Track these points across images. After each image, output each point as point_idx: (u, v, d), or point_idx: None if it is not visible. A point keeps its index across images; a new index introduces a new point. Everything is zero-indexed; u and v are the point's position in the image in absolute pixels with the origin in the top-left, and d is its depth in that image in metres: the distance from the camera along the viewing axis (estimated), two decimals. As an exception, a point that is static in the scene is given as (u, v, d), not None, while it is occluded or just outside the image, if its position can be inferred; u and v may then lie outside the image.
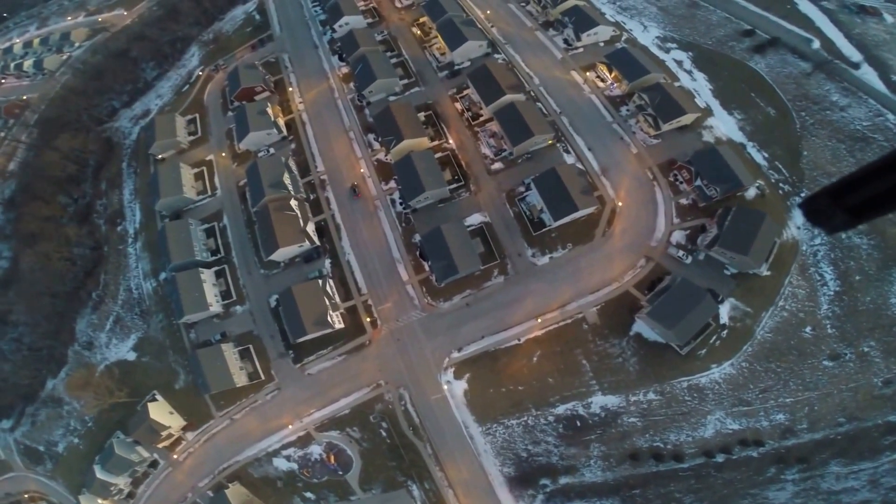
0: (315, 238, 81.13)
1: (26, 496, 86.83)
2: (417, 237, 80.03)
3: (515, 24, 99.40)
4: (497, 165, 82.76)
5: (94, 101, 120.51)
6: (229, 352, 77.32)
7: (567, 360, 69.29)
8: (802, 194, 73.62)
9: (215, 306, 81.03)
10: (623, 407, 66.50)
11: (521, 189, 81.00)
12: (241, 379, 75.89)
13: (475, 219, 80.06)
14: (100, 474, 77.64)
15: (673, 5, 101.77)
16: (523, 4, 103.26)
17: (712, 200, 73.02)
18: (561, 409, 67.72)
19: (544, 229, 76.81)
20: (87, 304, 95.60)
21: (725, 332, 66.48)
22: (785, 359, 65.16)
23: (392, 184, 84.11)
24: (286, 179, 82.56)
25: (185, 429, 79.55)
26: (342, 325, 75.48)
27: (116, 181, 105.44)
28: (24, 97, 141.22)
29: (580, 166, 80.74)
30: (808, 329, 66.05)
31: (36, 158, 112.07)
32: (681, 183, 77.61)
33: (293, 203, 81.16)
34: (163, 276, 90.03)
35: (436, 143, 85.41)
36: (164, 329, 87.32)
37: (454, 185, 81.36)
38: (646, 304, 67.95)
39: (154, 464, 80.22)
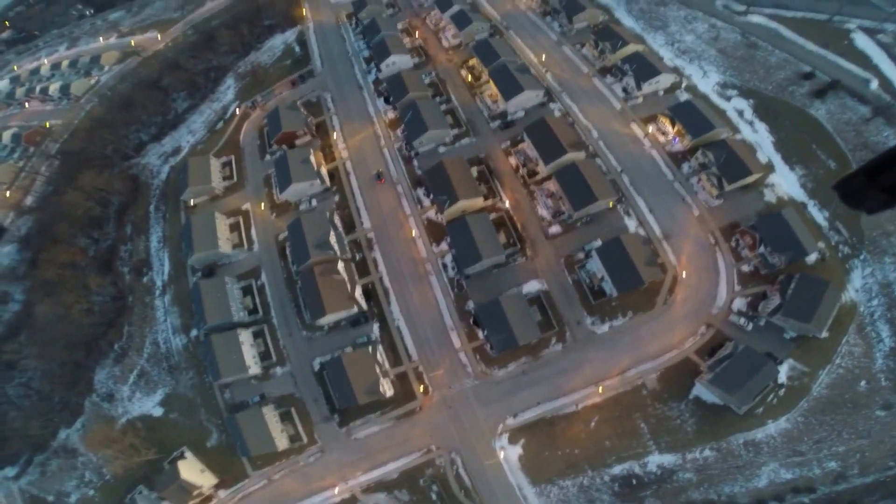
0: (363, 303, 78.45)
1: None
2: (471, 304, 77.64)
3: (571, 70, 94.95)
4: (555, 229, 79.46)
5: (120, 132, 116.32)
6: (270, 415, 75.20)
7: (625, 423, 69.45)
8: (861, 256, 72.29)
9: (254, 368, 78.54)
10: (679, 464, 66.83)
11: (581, 256, 75.28)
12: (282, 442, 73.92)
13: (532, 286, 77.47)
14: None
15: (731, 46, 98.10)
16: (578, 47, 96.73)
17: (775, 268, 71.34)
18: (617, 469, 67.68)
19: (605, 298, 74.26)
20: (109, 355, 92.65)
21: (783, 390, 67.18)
22: (839, 411, 66.10)
23: (444, 245, 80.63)
24: (332, 239, 79.80)
25: (217, 486, 76.81)
26: (392, 392, 73.56)
27: (143, 226, 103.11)
28: (47, 124, 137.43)
29: (642, 232, 78.06)
30: (862, 383, 66.84)
31: (56, 197, 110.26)
32: (743, 249, 74.87)
33: (340, 266, 79.18)
34: (194, 333, 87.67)
35: (489, 202, 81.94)
36: (195, 386, 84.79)
37: (510, 250, 78.12)
38: (706, 370, 68.01)
39: None
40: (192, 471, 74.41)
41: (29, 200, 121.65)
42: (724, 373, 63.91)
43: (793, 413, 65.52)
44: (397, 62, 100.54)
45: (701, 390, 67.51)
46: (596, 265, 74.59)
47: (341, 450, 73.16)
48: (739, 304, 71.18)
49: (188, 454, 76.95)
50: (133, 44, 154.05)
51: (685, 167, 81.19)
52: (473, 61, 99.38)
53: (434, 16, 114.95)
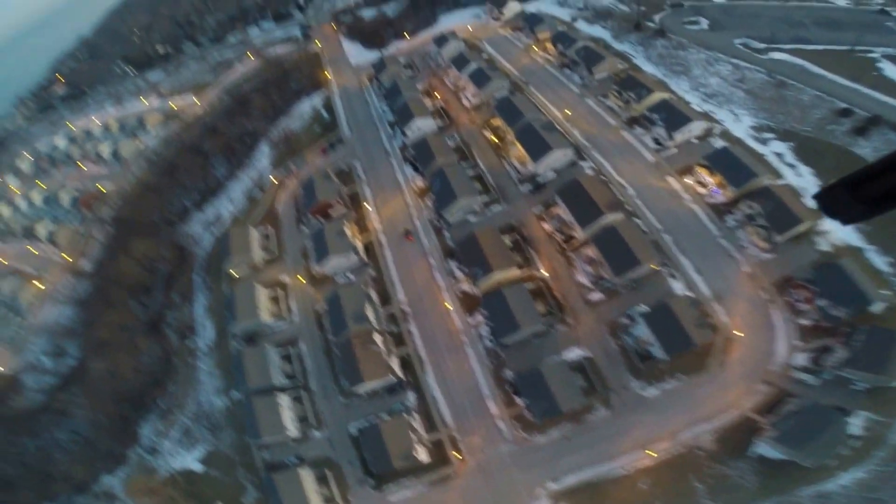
0: (399, 372, 78.07)
1: None
2: (509, 372, 74.98)
3: (598, 124, 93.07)
4: (596, 295, 76.45)
5: (166, 198, 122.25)
6: (306, 477, 74.91)
7: (678, 484, 64.69)
8: None
9: (292, 431, 79.50)
10: None
11: (625, 321, 71.62)
12: None
13: (574, 353, 74.12)
14: None
15: (759, 87, 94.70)
16: (602, 99, 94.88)
17: (838, 321, 65.92)
18: None
19: (653, 362, 70.36)
20: (154, 410, 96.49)
21: (857, 441, 61.52)
22: None
23: (479, 317, 78.61)
24: (368, 311, 79.18)
25: None
26: (427, 458, 72.28)
27: (188, 294, 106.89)
28: (101, 188, 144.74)
29: (690, 294, 73.31)
30: None
31: (110, 263, 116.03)
32: (800, 303, 69.63)
33: (377, 337, 78.61)
34: (235, 395, 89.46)
35: (525, 271, 79.77)
36: (234, 445, 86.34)
37: (549, 319, 75.69)
38: (768, 427, 63.42)
39: None
40: None
41: (85, 264, 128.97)
42: (790, 429, 59.85)
43: (867, 463, 60.11)
44: (422, 126, 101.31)
45: (764, 448, 62.79)
46: (642, 330, 70.77)
47: None
48: (801, 359, 66.00)
49: None
50: (173, 107, 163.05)
51: (729, 220, 76.82)
52: (497, 121, 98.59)
53: (452, 75, 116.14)
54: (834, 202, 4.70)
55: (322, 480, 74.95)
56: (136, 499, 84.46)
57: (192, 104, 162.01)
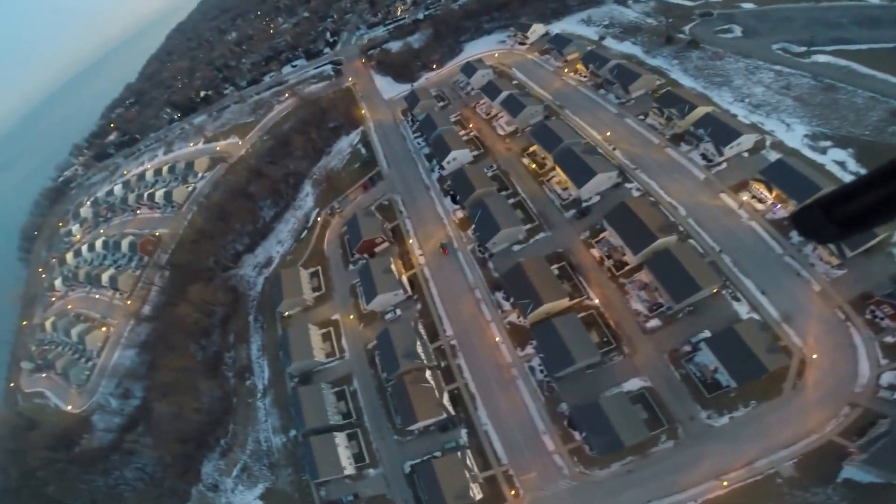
0: (451, 409, 76.35)
1: None
2: (565, 406, 71.73)
3: (641, 143, 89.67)
4: (653, 323, 72.52)
5: (218, 243, 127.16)
6: None
7: None
8: None
9: (348, 469, 78.98)
10: None
11: (688, 349, 67.15)
12: None
13: (633, 384, 70.04)
14: None
15: (807, 93, 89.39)
16: (642, 118, 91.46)
17: None
18: None
19: (721, 390, 65.49)
20: (215, 449, 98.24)
21: None
22: None
23: (529, 349, 76.29)
24: (419, 348, 78.78)
25: None
26: (481, 496, 69.43)
27: (244, 335, 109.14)
28: (157, 233, 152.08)
29: (756, 317, 68.08)
30: None
31: (170, 308, 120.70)
32: (882, 319, 63.66)
33: (428, 374, 77.71)
34: (293, 433, 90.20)
35: (576, 300, 76.48)
36: (292, 483, 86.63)
37: (604, 349, 71.90)
38: (856, 450, 58.03)
39: None
40: None
41: (146, 309, 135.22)
42: (883, 450, 54.48)
43: None
44: (458, 157, 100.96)
45: (852, 472, 57.40)
46: (707, 357, 65.98)
47: None
48: (890, 377, 59.89)
49: None
50: (218, 149, 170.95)
51: (795, 237, 71.25)
52: (534, 148, 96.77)
53: (484, 104, 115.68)
54: (809, 223, 4.67)
55: None
56: None
57: (235, 145, 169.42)
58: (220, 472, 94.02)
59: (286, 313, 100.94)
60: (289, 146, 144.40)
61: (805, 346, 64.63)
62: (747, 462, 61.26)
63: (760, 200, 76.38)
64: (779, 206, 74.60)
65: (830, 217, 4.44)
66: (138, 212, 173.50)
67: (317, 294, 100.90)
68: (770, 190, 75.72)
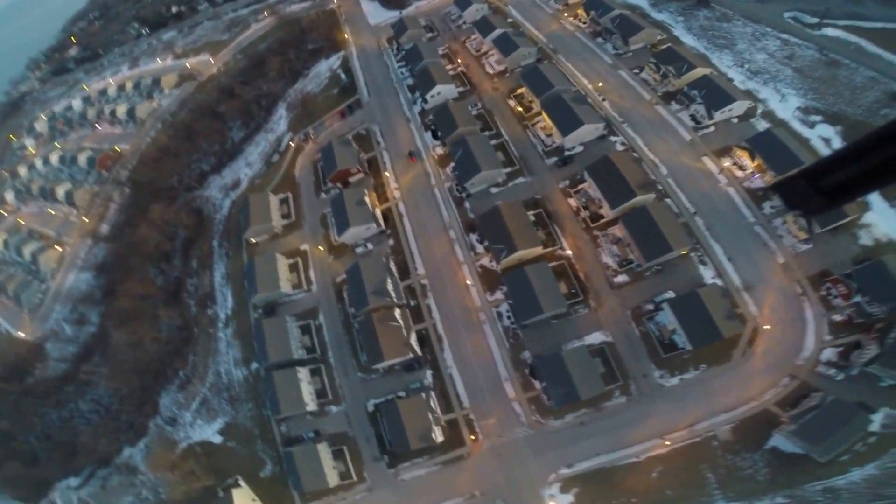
0: (417, 349, 74.80)
1: None
2: (527, 354, 71.52)
3: (631, 98, 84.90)
4: (621, 278, 71.78)
5: (183, 160, 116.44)
6: (324, 452, 73.80)
7: (690, 473, 63.12)
8: None
9: (310, 405, 77.44)
10: None
11: (650, 307, 67.16)
12: (333, 479, 72.37)
13: (595, 338, 70.09)
14: None
15: (809, 65, 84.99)
16: (637, 71, 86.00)
17: (872, 318, 61.77)
18: None
19: (676, 351, 66.39)
20: (174, 381, 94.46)
21: (873, 438, 59.40)
22: None
23: (498, 294, 74.73)
24: (389, 286, 75.93)
25: None
26: (442, 438, 70.03)
27: (207, 261, 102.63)
28: (117, 148, 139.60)
29: (719, 282, 68.06)
30: None
31: (130, 228, 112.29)
32: (835, 297, 64.83)
33: (397, 313, 75.11)
34: (254, 366, 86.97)
35: (549, 249, 74.49)
36: (253, 418, 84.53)
37: (571, 301, 70.82)
38: (788, 420, 61.18)
39: None
40: (244, 499, 74.41)
41: (104, 228, 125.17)
42: (810, 424, 57.73)
43: (880, 460, 57.94)
44: (443, 92, 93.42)
45: (780, 441, 60.67)
46: (668, 318, 66.25)
47: (388, 490, 71.52)
48: (829, 354, 62.40)
49: (242, 483, 76.90)
50: (188, 66, 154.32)
51: (767, 207, 70.45)
52: (522, 90, 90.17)
53: (475, 40, 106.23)
54: (793, 193, 4.59)
55: (338, 456, 74.22)
56: (157, 473, 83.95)
57: (207, 64, 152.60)
58: (179, 406, 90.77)
59: (253, 240, 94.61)
60: (264, 67, 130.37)
61: (760, 316, 65.77)
62: (690, 423, 63.71)
63: (741, 168, 74.33)
64: (758, 175, 72.82)
65: (816, 188, 4.38)
66: (98, 127, 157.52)
67: (286, 222, 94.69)
68: (752, 158, 73.45)
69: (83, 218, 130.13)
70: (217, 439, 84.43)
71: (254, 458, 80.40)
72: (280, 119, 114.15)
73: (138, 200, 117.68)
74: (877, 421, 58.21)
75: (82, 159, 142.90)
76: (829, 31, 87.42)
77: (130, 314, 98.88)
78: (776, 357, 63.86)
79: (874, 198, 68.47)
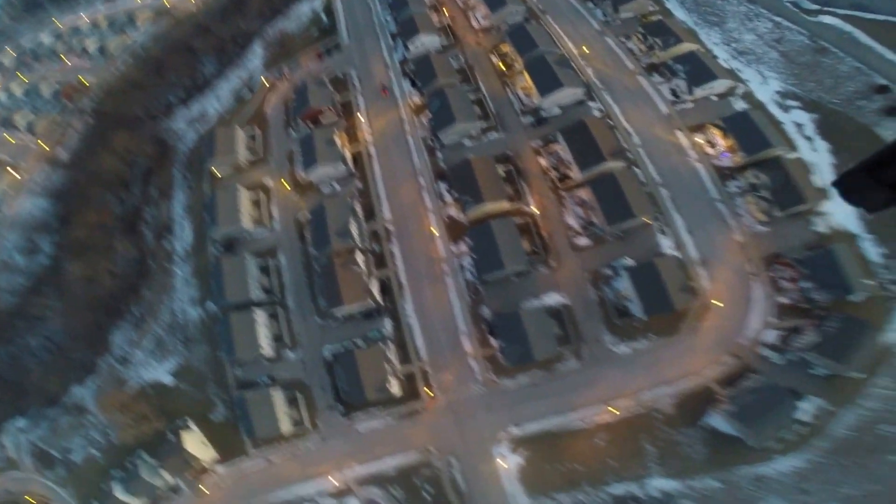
0: (378, 297, 73.48)
1: (27, 497, 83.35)
2: (486, 310, 71.23)
3: (615, 65, 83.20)
4: (583, 240, 71.63)
5: (151, 93, 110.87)
6: (278, 398, 72.71)
7: (632, 444, 64.93)
8: None
9: (266, 349, 75.60)
10: (680, 490, 62.63)
11: (609, 272, 67.45)
12: (286, 426, 71.88)
13: (553, 298, 70.03)
14: (120, 494, 74.56)
15: (796, 50, 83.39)
16: (623, 40, 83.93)
17: (815, 304, 63.28)
18: (616, 489, 63.85)
19: (629, 318, 67.28)
20: (127, 318, 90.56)
21: (802, 427, 61.52)
22: (856, 454, 60.66)
23: (463, 246, 73.50)
24: (353, 227, 73.64)
25: (215, 461, 75.77)
26: (399, 391, 70.22)
27: (167, 191, 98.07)
28: (83, 79, 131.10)
29: (678, 253, 68.41)
30: (884, 426, 60.85)
31: (89, 156, 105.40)
32: (783, 281, 65.95)
33: (359, 258, 73.24)
34: (210, 306, 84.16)
35: (515, 205, 73.21)
36: (207, 360, 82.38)
37: (532, 259, 70.36)
38: (725, 399, 62.84)
39: (176, 489, 76.34)
40: (194, 443, 73.69)
41: (63, 155, 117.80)
42: (744, 405, 59.06)
43: (807, 450, 60.02)
44: (426, 43, 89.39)
45: (716, 419, 62.19)
46: (624, 284, 66.73)
47: (342, 440, 71.25)
48: (771, 336, 63.84)
49: (193, 426, 75.78)
50: (165, 3, 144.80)
51: (732, 185, 70.51)
52: (506, 48, 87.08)
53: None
54: (854, 188, 4.30)
55: (292, 403, 73.28)
56: (107, 414, 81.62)
57: (185, 0, 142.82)
58: (131, 344, 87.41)
59: (216, 172, 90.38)
60: (244, 5, 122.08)
61: (711, 291, 66.32)
62: (635, 392, 64.70)
63: (712, 145, 73.62)
64: (727, 154, 72.44)
65: (878, 180, 4.20)
66: (66, 61, 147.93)
67: (252, 156, 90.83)
68: (725, 137, 72.88)
69: (41, 144, 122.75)
70: (169, 380, 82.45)
71: (206, 401, 78.96)
72: (255, 57, 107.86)
73: (100, 129, 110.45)
74: (806, 410, 60.19)
75: (46, 91, 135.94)
76: (826, 19, 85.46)
77: (86, 245, 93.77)
78: (721, 334, 64.90)
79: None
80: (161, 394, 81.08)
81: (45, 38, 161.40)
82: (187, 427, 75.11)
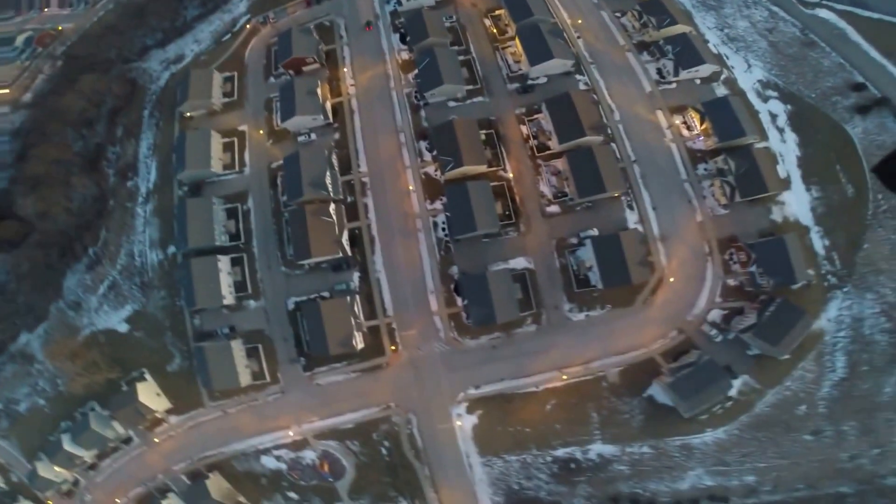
0: (348, 249, 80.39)
1: None
2: (455, 270, 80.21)
3: (606, 40, 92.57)
4: (553, 208, 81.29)
5: (127, 36, 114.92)
6: (237, 350, 78.35)
7: (578, 410, 75.16)
8: (845, 289, 75.73)
9: (228, 298, 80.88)
10: (617, 456, 73.61)
11: (574, 241, 77.92)
12: (245, 378, 77.81)
13: (518, 262, 79.88)
14: (68, 446, 78.28)
15: (785, 42, 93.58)
16: (618, 15, 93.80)
17: (760, 288, 74.63)
18: (560, 452, 74.20)
19: (588, 287, 77.32)
20: (82, 260, 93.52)
21: (730, 403, 73.17)
22: (772, 430, 72.84)
23: (438, 204, 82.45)
24: (327, 178, 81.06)
25: (169, 412, 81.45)
26: (363, 345, 76.95)
27: (134, 130, 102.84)
28: (59, 27, 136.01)
29: (641, 229, 78.87)
30: (802, 407, 73.04)
31: (55, 99, 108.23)
32: (735, 264, 77.43)
33: (332, 209, 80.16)
34: (172, 250, 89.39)
35: (492, 168, 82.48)
36: (164, 308, 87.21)
37: (504, 222, 79.74)
38: (667, 372, 73.61)
39: (127, 440, 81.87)
40: (148, 393, 78.80)
41: (27, 97, 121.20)
42: (683, 379, 69.96)
43: (731, 425, 72.42)
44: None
45: (656, 390, 73.68)
46: (587, 254, 76.57)
47: (302, 393, 78.20)
48: (715, 315, 75.54)
49: (148, 377, 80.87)
50: None
51: (701, 168, 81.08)
52: (501, 11, 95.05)
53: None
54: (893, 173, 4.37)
55: (252, 354, 78.71)
56: (56, 362, 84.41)
57: None
58: (85, 289, 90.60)
59: (188, 114, 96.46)
60: None
61: (667, 268, 76.86)
62: (586, 360, 74.78)
63: (689, 128, 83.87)
64: (702, 138, 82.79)
65: None
66: (45, 10, 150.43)
67: (227, 100, 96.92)
68: (702, 122, 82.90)
69: (6, 89, 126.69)
70: (123, 328, 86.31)
71: (162, 350, 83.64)
72: (241, 1, 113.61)
73: (68, 72, 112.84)
74: (735, 387, 71.70)
75: (20, 39, 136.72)
76: (822, 13, 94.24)
77: (41, 180, 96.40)
78: (671, 309, 75.61)
79: (794, 177, 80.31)
80: (114, 342, 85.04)
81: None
82: (142, 378, 80.00)
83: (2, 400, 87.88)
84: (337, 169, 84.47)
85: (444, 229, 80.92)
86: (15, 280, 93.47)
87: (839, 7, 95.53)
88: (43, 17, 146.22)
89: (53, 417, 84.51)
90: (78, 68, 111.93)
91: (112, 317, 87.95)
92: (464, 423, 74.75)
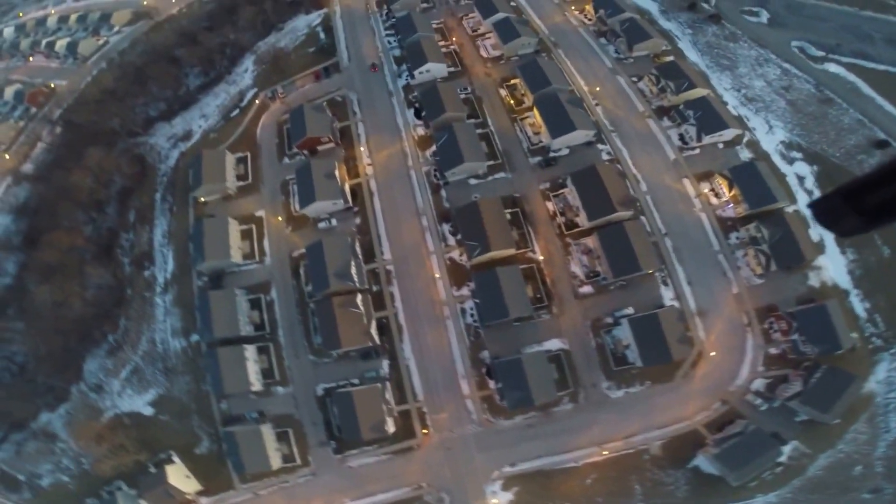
0: (376, 338, 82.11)
1: None
2: (486, 354, 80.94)
3: (625, 107, 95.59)
4: (586, 289, 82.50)
5: (128, 105, 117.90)
6: (268, 433, 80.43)
7: (620, 483, 75.33)
8: (893, 350, 76.36)
9: (256, 385, 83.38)
10: None
11: (609, 321, 78.22)
12: (276, 461, 79.50)
13: (553, 344, 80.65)
14: None
15: (804, 100, 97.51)
16: (635, 80, 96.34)
17: (804, 356, 74.89)
18: None
19: (626, 366, 78.02)
20: (102, 345, 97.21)
21: (780, 468, 73.22)
22: (827, 492, 72.82)
23: (465, 290, 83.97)
24: (353, 268, 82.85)
25: (200, 493, 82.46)
26: (394, 430, 78.43)
27: (147, 215, 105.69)
28: (52, 84, 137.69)
29: (678, 305, 79.74)
30: (858, 468, 73.06)
31: (59, 171, 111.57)
32: (776, 332, 78.04)
33: (359, 299, 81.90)
34: (195, 338, 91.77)
35: (521, 251, 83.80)
36: (190, 392, 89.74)
37: (535, 306, 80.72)
38: (712, 443, 73.77)
39: None
40: (177, 475, 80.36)
41: (28, 167, 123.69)
42: (731, 449, 70.56)
43: (783, 490, 72.72)
44: (432, 70, 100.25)
45: (702, 461, 73.99)
46: (624, 333, 77.42)
47: (333, 475, 79.59)
48: (759, 384, 76.19)
49: (176, 459, 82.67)
50: (145, 3, 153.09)
51: (733, 237, 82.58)
52: (516, 81, 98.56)
53: (473, 19, 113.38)
54: (830, 212, 4.87)
55: (282, 438, 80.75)
56: (81, 442, 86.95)
57: (168, 3, 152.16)
58: (107, 373, 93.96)
59: (202, 199, 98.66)
60: (234, 14, 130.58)
61: (707, 342, 77.79)
62: (627, 435, 75.31)
63: (717, 195, 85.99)
64: (731, 205, 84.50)
65: (854, 207, 4.55)
66: (31, 59, 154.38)
67: (241, 183, 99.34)
68: (730, 188, 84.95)
69: (5, 155, 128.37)
70: (148, 411, 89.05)
71: (189, 433, 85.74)
72: (246, 72, 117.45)
73: (71, 141, 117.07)
74: (785, 452, 71.80)
75: (9, 93, 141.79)
76: (831, 67, 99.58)
77: (55, 268, 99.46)
78: (713, 381, 76.52)
79: (829, 242, 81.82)
80: (140, 424, 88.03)
81: (7, 31, 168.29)
82: (170, 460, 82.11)
83: (24, 473, 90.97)
84: (361, 257, 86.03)
85: (472, 315, 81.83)
86: (33, 361, 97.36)
87: (845, 60, 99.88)
88: (29, 68, 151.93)
89: (78, 494, 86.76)
90: (80, 138, 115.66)
91: (136, 400, 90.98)
92: (500, 500, 75.12)
